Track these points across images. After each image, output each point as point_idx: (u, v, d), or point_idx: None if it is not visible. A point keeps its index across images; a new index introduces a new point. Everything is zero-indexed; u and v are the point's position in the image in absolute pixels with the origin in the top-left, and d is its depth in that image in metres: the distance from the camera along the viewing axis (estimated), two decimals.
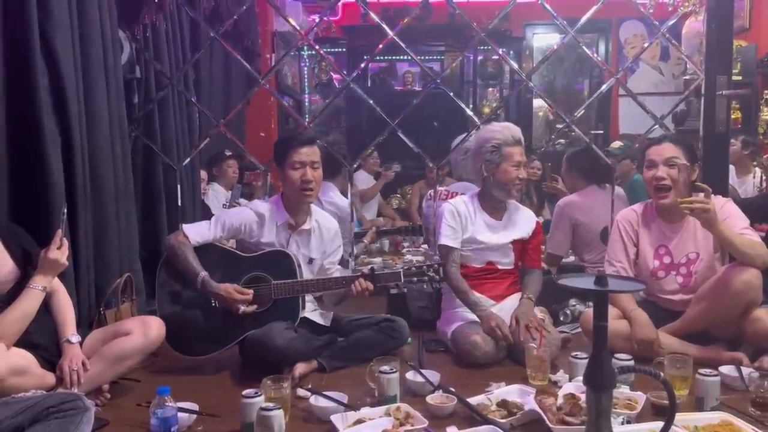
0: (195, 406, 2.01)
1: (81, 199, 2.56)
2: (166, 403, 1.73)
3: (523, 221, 2.84)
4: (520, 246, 2.83)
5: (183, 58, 3.74)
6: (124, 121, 3.02)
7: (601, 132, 7.16)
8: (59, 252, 2.07)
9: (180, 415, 1.86)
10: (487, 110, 6.79)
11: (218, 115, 3.98)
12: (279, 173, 2.67)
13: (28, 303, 2.02)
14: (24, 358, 1.99)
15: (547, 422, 1.82)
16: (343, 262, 3.04)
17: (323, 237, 2.72)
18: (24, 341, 2.03)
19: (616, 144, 4.53)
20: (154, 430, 1.72)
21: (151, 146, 3.39)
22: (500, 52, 3.96)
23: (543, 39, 7.41)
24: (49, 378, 2.04)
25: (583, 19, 3.47)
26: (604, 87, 3.91)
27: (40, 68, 2.37)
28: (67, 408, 1.69)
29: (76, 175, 2.53)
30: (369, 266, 2.88)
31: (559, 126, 4.33)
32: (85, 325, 2.47)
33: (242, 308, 2.46)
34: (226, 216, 2.67)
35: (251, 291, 2.49)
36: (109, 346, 2.18)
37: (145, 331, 2.22)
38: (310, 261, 2.68)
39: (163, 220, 3.42)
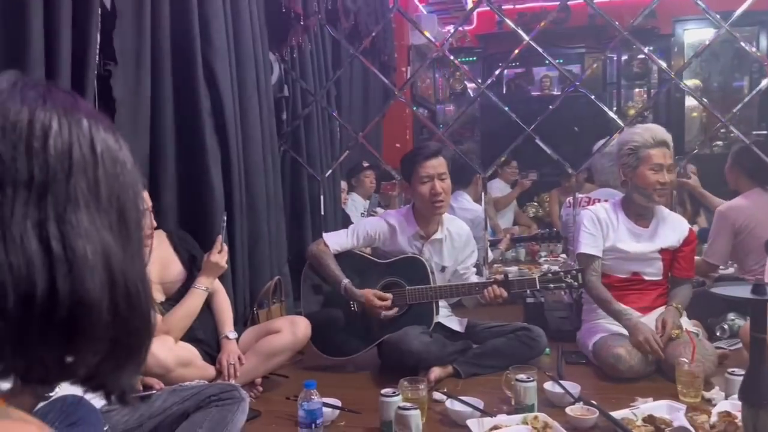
0: (338, 402, 2.12)
1: (237, 209, 2.80)
2: (312, 397, 1.85)
3: (673, 229, 2.66)
4: (670, 255, 2.65)
5: (326, 76, 3.97)
6: (275, 137, 3.26)
7: (765, 132, 6.50)
8: (220, 256, 2.29)
9: (324, 409, 1.97)
10: (632, 112, 6.45)
11: (358, 127, 4.17)
12: (408, 188, 2.71)
13: (193, 302, 2.25)
14: (189, 351, 2.22)
15: None
16: (478, 267, 3.05)
17: (455, 244, 2.74)
18: (189, 336, 2.25)
19: None
20: (301, 421, 1.85)
21: (297, 159, 3.63)
22: (645, 51, 3.77)
23: (695, 35, 6.88)
24: (210, 370, 2.25)
25: (739, 11, 3.20)
26: (764, 83, 3.57)
27: (203, 92, 2.64)
28: (226, 397, 1.86)
29: (234, 188, 2.78)
30: (502, 271, 2.85)
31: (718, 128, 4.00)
32: (240, 323, 2.70)
33: (384, 313, 2.56)
34: (362, 225, 2.78)
35: (390, 296, 2.58)
36: (262, 343, 2.37)
37: (293, 329, 2.39)
38: (443, 269, 2.71)
39: (308, 228, 3.65)
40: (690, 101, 6.61)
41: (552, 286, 2.55)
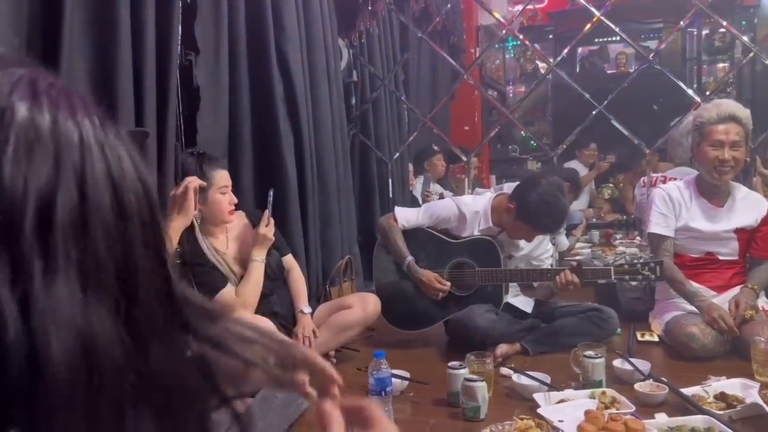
0: (407, 374, 2.20)
1: (310, 191, 2.92)
2: (382, 366, 1.93)
3: (750, 208, 2.56)
4: (747, 235, 2.56)
5: (394, 60, 4.02)
6: (344, 121, 3.36)
7: None
8: (267, 228, 2.36)
9: (394, 380, 2.05)
10: (713, 88, 6.17)
11: (426, 110, 4.20)
12: (511, 212, 2.54)
13: (254, 273, 2.32)
14: (266, 324, 2.34)
15: None
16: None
17: (532, 243, 2.71)
18: (266, 310, 2.38)
19: None
20: (371, 389, 1.93)
21: (366, 142, 3.72)
22: (724, 23, 3.61)
23: None
24: None
25: None
26: None
27: (277, 78, 2.75)
28: None
29: (305, 170, 2.89)
30: (576, 259, 2.81)
31: None
32: (314, 299, 2.82)
33: (440, 295, 2.61)
34: (435, 207, 2.82)
35: (448, 284, 2.60)
36: (334, 318, 2.48)
37: (363, 306, 2.49)
38: (510, 257, 2.69)
39: (376, 210, 3.73)
40: None
41: (627, 277, 2.49)
